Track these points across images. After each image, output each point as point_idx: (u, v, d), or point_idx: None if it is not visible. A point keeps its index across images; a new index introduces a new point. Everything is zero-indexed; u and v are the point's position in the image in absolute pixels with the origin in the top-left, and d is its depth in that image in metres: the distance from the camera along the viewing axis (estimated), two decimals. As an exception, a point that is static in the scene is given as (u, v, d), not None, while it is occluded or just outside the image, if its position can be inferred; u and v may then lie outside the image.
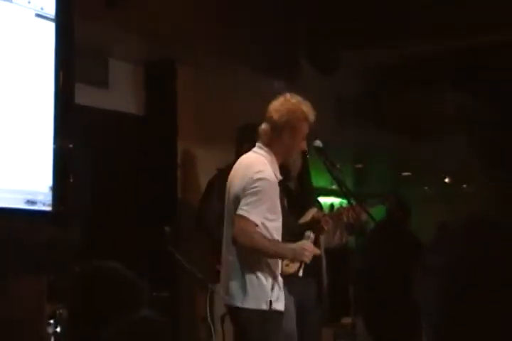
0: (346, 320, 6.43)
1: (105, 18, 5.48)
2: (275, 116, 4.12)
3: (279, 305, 4.05)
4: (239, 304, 4.02)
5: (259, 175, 3.98)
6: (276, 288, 4.02)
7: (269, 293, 3.98)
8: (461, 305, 1.05)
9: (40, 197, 4.04)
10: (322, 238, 5.27)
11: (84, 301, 2.43)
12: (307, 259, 4.07)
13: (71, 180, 4.14)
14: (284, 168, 4.25)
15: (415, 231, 1.88)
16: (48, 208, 4.06)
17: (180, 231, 5.95)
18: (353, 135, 9.03)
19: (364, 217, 4.86)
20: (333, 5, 7.36)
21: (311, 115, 4.13)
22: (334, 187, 9.68)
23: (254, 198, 3.93)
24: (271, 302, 3.96)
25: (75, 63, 4.26)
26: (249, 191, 3.95)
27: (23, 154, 4.01)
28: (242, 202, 3.94)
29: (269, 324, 3.95)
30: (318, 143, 4.47)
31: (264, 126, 4.18)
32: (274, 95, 7.00)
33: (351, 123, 8.93)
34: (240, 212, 3.93)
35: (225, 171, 5.75)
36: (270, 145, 4.12)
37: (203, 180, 6.18)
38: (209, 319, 5.45)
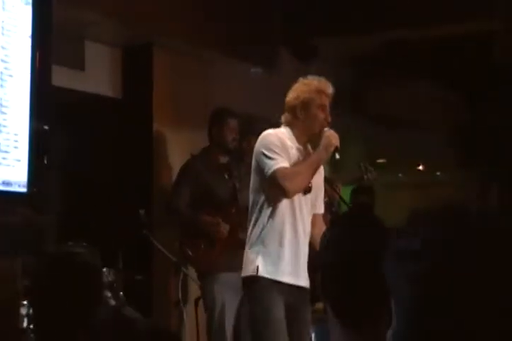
0: (319, 306, 6.47)
1: (82, -1, 5.45)
2: (288, 98, 4.15)
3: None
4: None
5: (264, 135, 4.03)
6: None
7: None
8: (432, 289, 1.07)
9: (15, 179, 4.03)
10: None
11: (46, 286, 2.43)
12: (337, 143, 4.04)
13: (45, 162, 4.13)
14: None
15: (387, 218, 1.90)
16: (24, 189, 4.05)
17: (154, 214, 5.96)
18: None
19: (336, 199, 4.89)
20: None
21: (326, 87, 4.14)
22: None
23: (267, 154, 3.94)
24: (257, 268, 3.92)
25: (52, 44, 4.24)
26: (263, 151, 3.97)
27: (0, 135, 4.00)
28: (263, 164, 3.95)
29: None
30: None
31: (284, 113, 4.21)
32: (251, 81, 7.03)
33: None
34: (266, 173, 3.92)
35: (197, 157, 5.78)
36: (290, 125, 4.13)
37: (176, 164, 6.19)
38: (181, 303, 5.49)
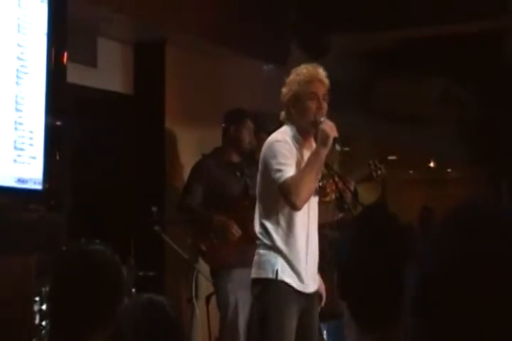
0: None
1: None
2: (282, 93, 4.01)
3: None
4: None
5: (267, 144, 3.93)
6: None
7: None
8: (445, 292, 1.06)
9: (31, 176, 4.04)
10: None
11: (67, 284, 2.44)
12: (334, 133, 3.87)
13: (59, 159, 4.14)
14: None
15: (398, 214, 1.89)
16: (39, 187, 4.06)
17: (167, 211, 5.97)
18: (340, 119, 9.04)
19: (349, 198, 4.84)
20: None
21: (316, 73, 3.96)
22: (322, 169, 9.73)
23: (274, 165, 3.84)
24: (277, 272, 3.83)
25: (67, 41, 4.25)
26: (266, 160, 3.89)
27: (15, 133, 4.00)
28: (271, 174, 3.84)
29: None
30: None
31: None
32: (263, 79, 7.02)
33: (340, 107, 8.93)
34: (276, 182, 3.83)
35: (209, 156, 5.79)
36: (288, 119, 4.01)
37: (188, 161, 6.20)
38: (194, 299, 5.50)
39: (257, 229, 3.99)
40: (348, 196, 4.77)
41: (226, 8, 6.56)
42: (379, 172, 5.05)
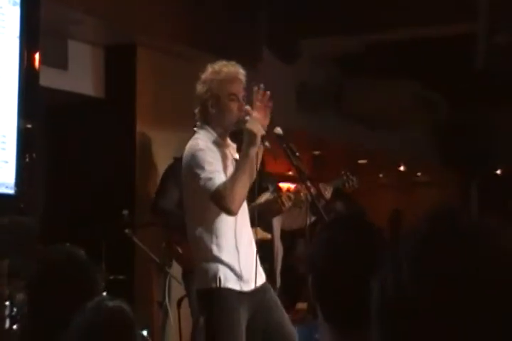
0: (301, 305, 6.49)
1: (66, -1, 5.43)
2: (198, 89, 3.88)
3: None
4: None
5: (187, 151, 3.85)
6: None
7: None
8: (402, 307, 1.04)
9: (2, 180, 4.00)
10: (275, 221, 5.29)
11: (44, 286, 2.43)
12: (262, 131, 3.75)
13: (31, 163, 4.11)
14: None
15: (369, 217, 1.90)
16: (11, 191, 4.02)
17: (138, 214, 5.95)
18: (312, 122, 9.08)
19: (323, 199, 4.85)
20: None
21: (236, 72, 3.86)
22: (291, 173, 9.76)
23: (199, 172, 3.74)
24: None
25: (40, 44, 4.23)
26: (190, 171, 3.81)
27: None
28: (199, 184, 3.75)
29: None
30: (278, 130, 4.46)
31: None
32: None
33: (311, 111, 8.97)
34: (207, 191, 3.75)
35: (180, 160, 5.76)
36: (205, 121, 3.90)
37: (160, 164, 6.18)
38: (167, 303, 5.48)
39: (191, 240, 3.95)
40: (321, 201, 4.79)
41: (197, 10, 6.55)
42: (351, 183, 5.16)
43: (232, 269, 3.84)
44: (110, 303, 2.12)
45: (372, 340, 1.08)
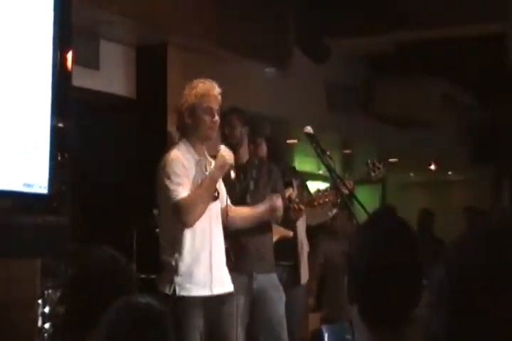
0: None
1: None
2: (177, 104, 4.20)
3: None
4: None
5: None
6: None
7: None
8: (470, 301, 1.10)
9: (36, 180, 4.04)
10: (300, 221, 5.26)
11: (78, 286, 2.46)
12: (231, 161, 4.07)
13: (64, 163, 4.15)
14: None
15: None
16: (44, 191, 4.06)
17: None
18: (342, 121, 9.07)
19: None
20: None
21: (211, 88, 4.15)
22: (321, 172, 9.74)
23: (168, 184, 3.98)
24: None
25: (72, 44, 4.27)
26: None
27: (21, 136, 4.00)
28: (165, 193, 4.00)
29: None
30: (308, 129, 4.46)
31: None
32: (264, 82, 6.99)
33: (341, 110, 8.95)
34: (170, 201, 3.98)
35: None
36: (182, 133, 4.17)
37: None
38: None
39: (161, 245, 4.14)
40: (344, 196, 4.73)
41: (228, 10, 6.57)
42: (377, 171, 5.01)
43: (192, 276, 3.97)
44: (143, 301, 2.13)
45: (433, 324, 1.19)
